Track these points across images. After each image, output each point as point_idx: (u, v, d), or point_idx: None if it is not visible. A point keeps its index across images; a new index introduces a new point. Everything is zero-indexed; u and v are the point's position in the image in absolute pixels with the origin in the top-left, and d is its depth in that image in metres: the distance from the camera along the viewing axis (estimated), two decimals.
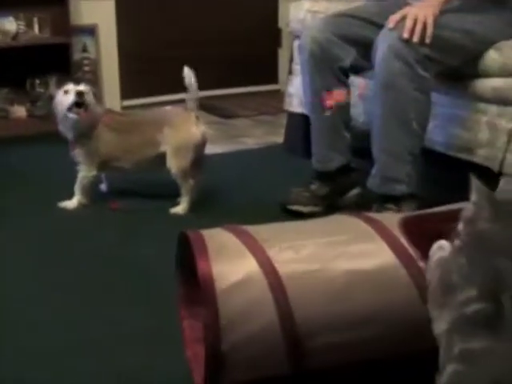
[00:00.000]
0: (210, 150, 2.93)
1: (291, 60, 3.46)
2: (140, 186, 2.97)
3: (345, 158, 2.74)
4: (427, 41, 2.34)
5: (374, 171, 2.53)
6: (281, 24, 4.86)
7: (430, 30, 2.33)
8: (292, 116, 3.49)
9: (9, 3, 3.80)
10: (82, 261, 2.35)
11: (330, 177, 2.73)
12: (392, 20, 2.38)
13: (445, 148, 2.68)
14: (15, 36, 3.88)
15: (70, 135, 2.78)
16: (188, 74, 2.68)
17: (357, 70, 2.69)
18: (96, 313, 2.02)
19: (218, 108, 4.43)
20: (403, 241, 1.61)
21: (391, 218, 1.74)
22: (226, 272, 1.50)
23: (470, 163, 2.58)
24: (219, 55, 4.76)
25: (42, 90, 4.07)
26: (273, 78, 5.02)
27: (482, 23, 2.48)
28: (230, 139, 3.83)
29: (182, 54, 4.16)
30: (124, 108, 4.30)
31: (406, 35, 2.32)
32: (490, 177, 2.50)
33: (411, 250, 1.59)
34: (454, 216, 1.37)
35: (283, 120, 3.67)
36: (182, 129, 2.72)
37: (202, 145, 2.76)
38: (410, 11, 2.36)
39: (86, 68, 4.24)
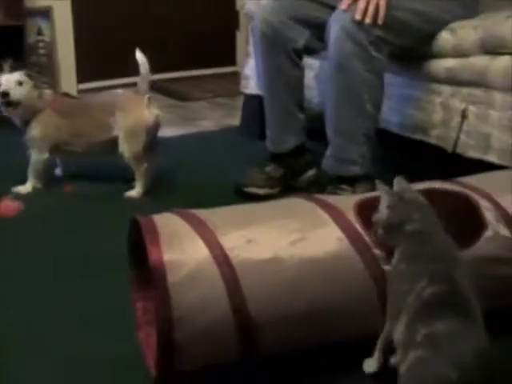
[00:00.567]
0: (165, 133, 2.90)
1: (248, 42, 3.45)
2: (95, 170, 2.94)
3: (299, 139, 2.73)
4: (380, 22, 2.33)
5: (328, 152, 2.52)
6: (238, 6, 4.84)
7: (382, 12, 2.33)
8: (248, 98, 3.46)
9: None
10: (36, 246, 2.32)
11: (284, 158, 2.73)
12: (345, 2, 2.37)
13: (399, 129, 2.70)
14: None
15: (15, 122, 2.79)
16: (140, 57, 2.65)
17: (310, 51, 2.68)
18: (47, 294, 2.00)
19: (175, 91, 4.41)
20: (358, 226, 1.62)
21: (346, 202, 1.74)
22: (178, 262, 1.49)
23: (425, 144, 2.60)
24: (177, 37, 4.74)
25: None
26: (231, 60, 5.01)
27: (435, 4, 2.50)
28: (187, 122, 3.81)
29: (138, 36, 4.12)
30: (80, 91, 4.25)
31: (358, 16, 2.32)
32: (444, 157, 2.53)
33: (366, 237, 1.59)
34: None
35: (240, 102, 3.65)
36: (134, 112, 2.69)
37: (154, 128, 2.73)
38: None
39: (42, 51, 4.17)
